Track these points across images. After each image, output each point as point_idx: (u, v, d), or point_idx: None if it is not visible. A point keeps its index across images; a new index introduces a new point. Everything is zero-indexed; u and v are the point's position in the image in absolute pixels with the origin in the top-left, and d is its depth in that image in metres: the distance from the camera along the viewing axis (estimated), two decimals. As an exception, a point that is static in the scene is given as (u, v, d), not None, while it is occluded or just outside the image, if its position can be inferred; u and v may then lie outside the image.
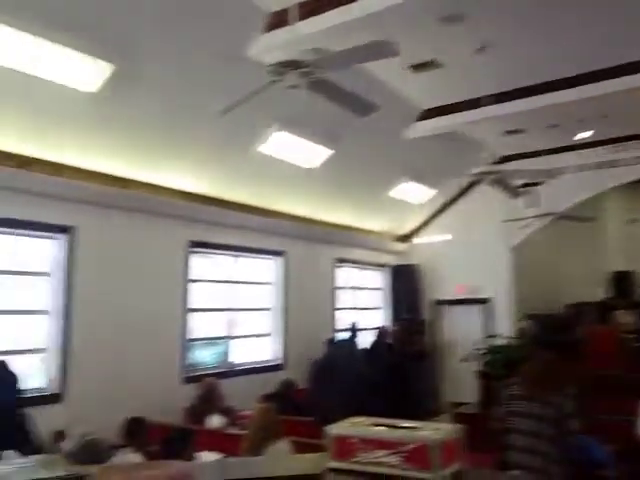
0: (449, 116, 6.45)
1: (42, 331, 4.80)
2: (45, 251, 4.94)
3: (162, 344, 5.64)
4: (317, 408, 5.27)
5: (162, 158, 5.47)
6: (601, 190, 8.62)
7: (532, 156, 8.24)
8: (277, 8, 4.31)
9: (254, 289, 7.17)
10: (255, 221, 6.73)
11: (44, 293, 4.85)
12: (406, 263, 9.61)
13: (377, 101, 4.20)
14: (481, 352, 7.54)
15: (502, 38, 4.96)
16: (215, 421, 4.91)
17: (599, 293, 10.11)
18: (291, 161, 6.36)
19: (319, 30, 4.09)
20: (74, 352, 4.81)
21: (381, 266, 9.55)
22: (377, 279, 9.63)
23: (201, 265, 6.37)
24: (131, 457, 3.46)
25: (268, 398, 5.27)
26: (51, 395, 4.58)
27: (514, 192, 6.89)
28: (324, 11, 4.04)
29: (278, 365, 7.08)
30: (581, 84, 5.55)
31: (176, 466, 1.89)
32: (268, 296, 7.30)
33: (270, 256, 7.31)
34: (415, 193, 8.61)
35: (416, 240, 9.76)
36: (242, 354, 6.73)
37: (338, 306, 8.40)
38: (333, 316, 8.24)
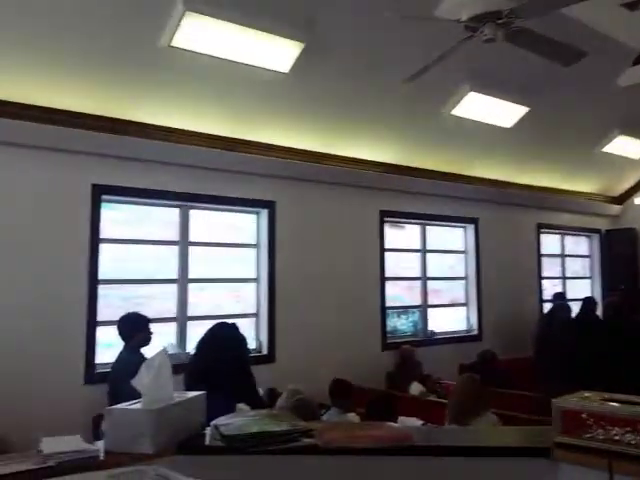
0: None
1: (253, 298, 5.30)
2: (253, 225, 5.41)
3: (362, 311, 5.84)
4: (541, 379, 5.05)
5: (354, 130, 5.57)
6: None
7: None
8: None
9: (447, 258, 7.02)
10: (446, 188, 6.55)
11: (254, 263, 5.35)
12: (622, 227, 8.56)
13: (584, 47, 3.73)
14: None
15: None
16: (414, 388, 4.96)
17: None
18: (483, 122, 6.01)
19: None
20: (280, 318, 5.23)
21: (591, 231, 8.65)
22: (586, 246, 8.75)
23: (393, 234, 6.41)
24: (350, 417, 3.65)
25: (467, 368, 5.17)
26: (263, 356, 5.04)
27: None
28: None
29: (474, 335, 6.88)
30: None
31: (396, 428, 1.93)
32: (461, 265, 7.09)
33: (462, 223, 7.07)
34: (631, 147, 7.52)
35: (638, 200, 8.57)
36: (437, 323, 6.68)
37: (543, 275, 7.83)
38: (538, 285, 7.72)
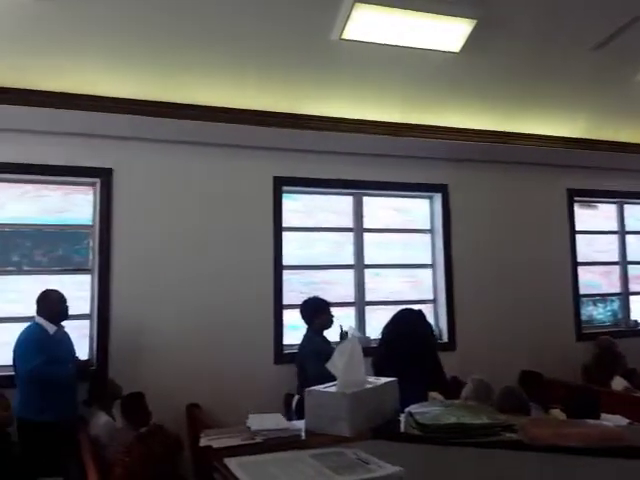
0: None
1: (429, 284, 5.22)
2: (426, 210, 5.33)
3: (551, 299, 5.45)
4: None
5: (533, 105, 5.16)
6: None
7: None
8: None
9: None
10: (641, 161, 5.79)
11: (429, 249, 5.26)
12: None
13: None
14: None
15: None
16: (617, 383, 4.48)
17: None
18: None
19: None
20: (458, 304, 5.07)
21: None
22: None
23: (584, 215, 5.86)
24: (555, 413, 3.41)
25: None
26: (443, 343, 4.92)
27: None
28: None
29: (686, 327, 6.01)
30: None
31: (607, 426, 1.75)
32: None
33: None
34: None
35: None
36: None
37: None
38: None
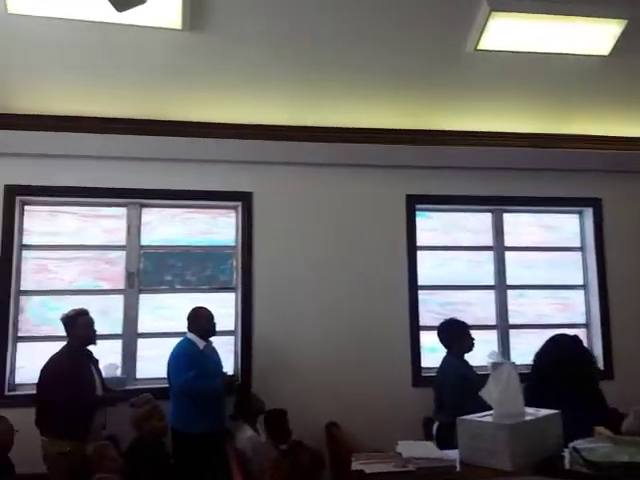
0: None
1: (581, 306, 4.82)
2: (575, 226, 4.95)
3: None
4: None
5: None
6: None
7: None
8: None
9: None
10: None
11: (579, 268, 4.87)
12: None
13: None
14: None
15: None
16: None
17: None
18: None
19: None
20: (616, 329, 4.63)
21: None
22: None
23: None
24: None
25: None
26: (601, 371, 4.47)
27: None
28: None
29: None
30: None
31: None
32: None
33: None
34: None
35: None
36: None
37: None
38: None
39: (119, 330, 4.23)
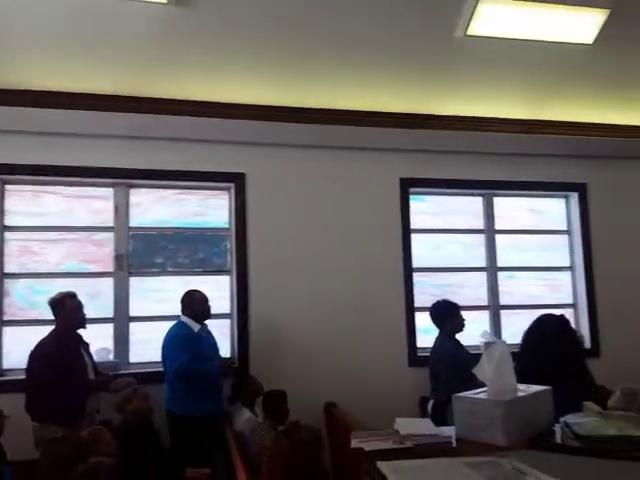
0: None
1: (568, 288, 4.95)
2: (561, 210, 5.07)
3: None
4: None
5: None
6: None
7: None
8: None
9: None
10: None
11: (566, 251, 4.99)
12: None
13: None
14: None
15: None
16: None
17: None
18: None
19: None
20: (602, 308, 4.78)
21: None
22: None
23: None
24: None
25: None
26: (587, 350, 4.63)
27: None
28: None
29: None
30: None
31: None
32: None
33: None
34: None
35: None
36: None
37: None
38: None
39: (109, 314, 4.13)
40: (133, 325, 4.15)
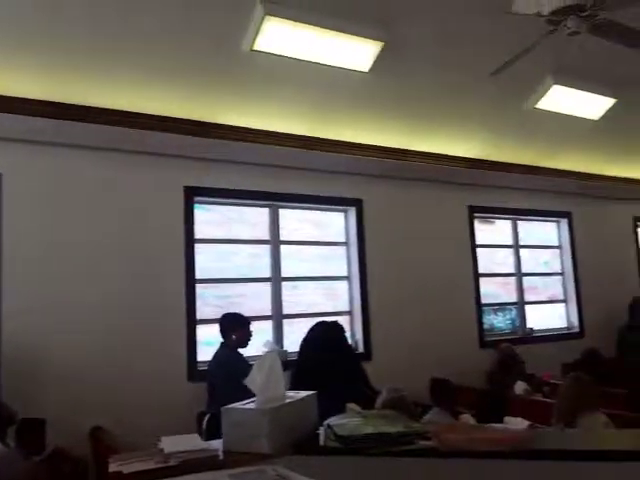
0: None
1: (346, 296, 5.27)
2: (341, 223, 5.40)
3: (456, 309, 5.70)
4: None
5: (438, 126, 5.44)
6: None
7: None
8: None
9: (541, 254, 6.76)
10: (535, 181, 6.28)
11: (344, 261, 5.32)
12: None
13: None
14: None
15: None
16: (519, 387, 4.72)
17: None
18: (569, 114, 5.74)
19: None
20: (374, 316, 5.15)
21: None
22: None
23: (482, 230, 6.24)
24: (465, 418, 3.50)
25: (570, 367, 4.89)
26: (360, 354, 4.94)
27: None
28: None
29: (575, 333, 6.57)
30: None
31: (516, 431, 1.82)
32: (557, 260, 6.80)
33: (554, 218, 6.79)
34: None
35: None
36: (535, 321, 6.42)
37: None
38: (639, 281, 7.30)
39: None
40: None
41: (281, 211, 5.06)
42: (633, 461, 1.43)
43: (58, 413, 3.49)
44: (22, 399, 3.45)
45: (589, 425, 2.99)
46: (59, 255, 3.94)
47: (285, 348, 4.66)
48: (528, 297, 6.46)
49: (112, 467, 1.79)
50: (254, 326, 4.25)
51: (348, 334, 5.01)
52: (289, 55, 4.18)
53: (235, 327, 4.02)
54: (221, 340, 4.05)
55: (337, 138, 5.08)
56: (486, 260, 6.14)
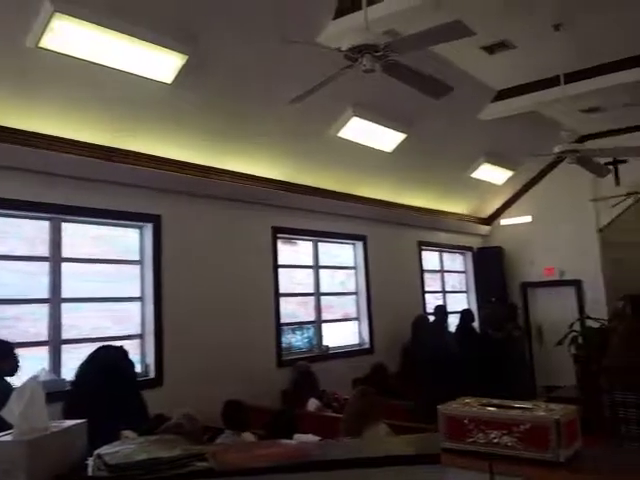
0: (524, 97, 6.33)
1: (137, 318, 4.93)
2: (135, 240, 5.05)
3: (256, 329, 5.70)
4: (418, 392, 5.23)
5: (241, 146, 5.48)
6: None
7: (613, 134, 7.88)
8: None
9: (338, 274, 7.13)
10: (335, 206, 6.68)
11: (137, 281, 4.98)
12: (490, 245, 9.41)
13: (451, 83, 3.99)
14: (573, 335, 7.20)
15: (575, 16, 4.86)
16: (311, 404, 4.91)
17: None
18: (367, 145, 6.24)
19: (390, 13, 4.08)
20: (168, 338, 4.90)
21: (465, 249, 9.34)
22: (461, 262, 9.44)
23: (286, 251, 6.40)
24: (245, 437, 3.50)
25: (360, 382, 5.25)
26: (150, 380, 4.68)
27: (601, 170, 6.14)
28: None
29: (366, 349, 7.02)
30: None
31: (295, 444, 1.86)
32: (352, 280, 7.25)
33: (351, 240, 7.24)
34: (495, 174, 8.36)
35: (503, 221, 9.53)
36: (331, 338, 6.72)
37: (425, 289, 8.28)
38: (421, 299, 8.12)
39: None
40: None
41: (65, 225, 4.56)
42: (402, 465, 1.51)
43: None
44: None
45: (372, 435, 3.18)
46: None
47: (63, 377, 4.23)
48: (325, 315, 6.75)
49: None
50: (28, 352, 3.83)
51: (136, 359, 4.77)
52: (81, 57, 3.89)
53: None
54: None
55: (137, 150, 4.84)
56: (287, 280, 6.29)
